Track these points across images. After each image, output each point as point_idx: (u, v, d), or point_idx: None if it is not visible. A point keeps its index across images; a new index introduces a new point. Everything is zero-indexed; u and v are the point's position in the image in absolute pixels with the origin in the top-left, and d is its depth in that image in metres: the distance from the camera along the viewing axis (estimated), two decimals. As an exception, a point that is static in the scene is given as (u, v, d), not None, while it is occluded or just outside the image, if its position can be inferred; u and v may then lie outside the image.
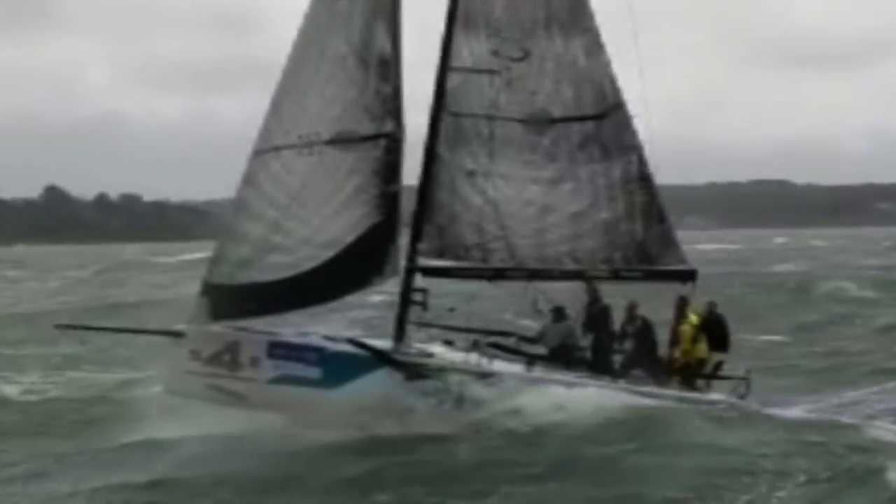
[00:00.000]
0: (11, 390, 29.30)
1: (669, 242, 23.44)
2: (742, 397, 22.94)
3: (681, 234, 23.90)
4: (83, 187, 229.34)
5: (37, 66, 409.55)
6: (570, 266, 23.19)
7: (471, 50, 22.99)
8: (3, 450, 22.51)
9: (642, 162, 23.37)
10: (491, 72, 23.01)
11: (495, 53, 23.01)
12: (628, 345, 23.32)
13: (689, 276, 23.38)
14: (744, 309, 38.34)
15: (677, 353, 23.31)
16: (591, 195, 23.29)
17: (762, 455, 18.98)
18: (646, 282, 23.57)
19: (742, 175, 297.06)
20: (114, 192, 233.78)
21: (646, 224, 23.36)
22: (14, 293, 70.54)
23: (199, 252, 55.38)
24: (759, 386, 23.95)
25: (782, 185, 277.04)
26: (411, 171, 23.10)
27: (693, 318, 23.30)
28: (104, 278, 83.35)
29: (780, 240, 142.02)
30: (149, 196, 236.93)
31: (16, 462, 21.03)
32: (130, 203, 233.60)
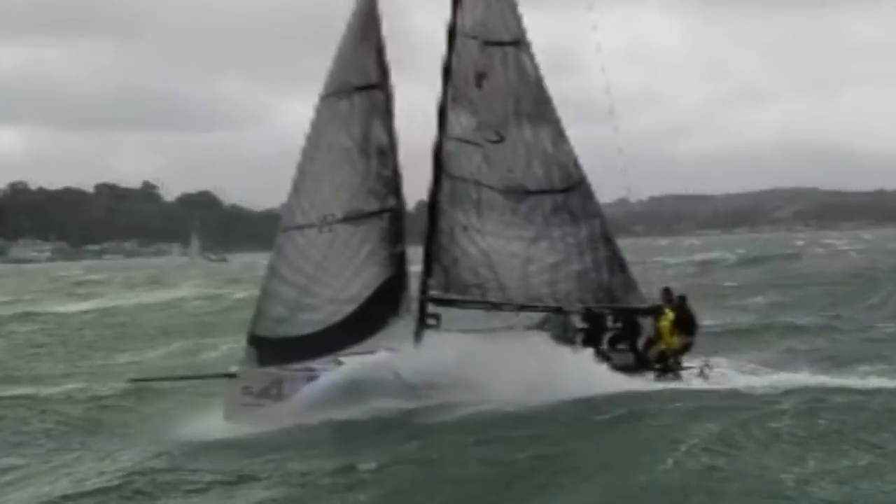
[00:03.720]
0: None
1: (631, 287, 25.67)
2: (705, 379, 24.86)
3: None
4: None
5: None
6: (551, 303, 25.21)
7: (459, 122, 24.66)
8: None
9: (604, 225, 25.59)
10: (476, 144, 24.78)
11: (478, 129, 24.81)
12: (619, 325, 25.71)
13: (649, 311, 25.57)
14: None
15: (662, 346, 25.26)
16: (564, 251, 25.31)
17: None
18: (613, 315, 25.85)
19: None
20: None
21: (610, 273, 25.52)
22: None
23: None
24: None
25: None
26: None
27: (670, 315, 25.32)
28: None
29: None
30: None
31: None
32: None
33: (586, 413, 21.49)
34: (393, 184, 23.97)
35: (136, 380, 27.19)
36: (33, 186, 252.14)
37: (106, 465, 19.69)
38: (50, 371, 34.33)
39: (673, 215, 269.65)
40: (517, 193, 25.00)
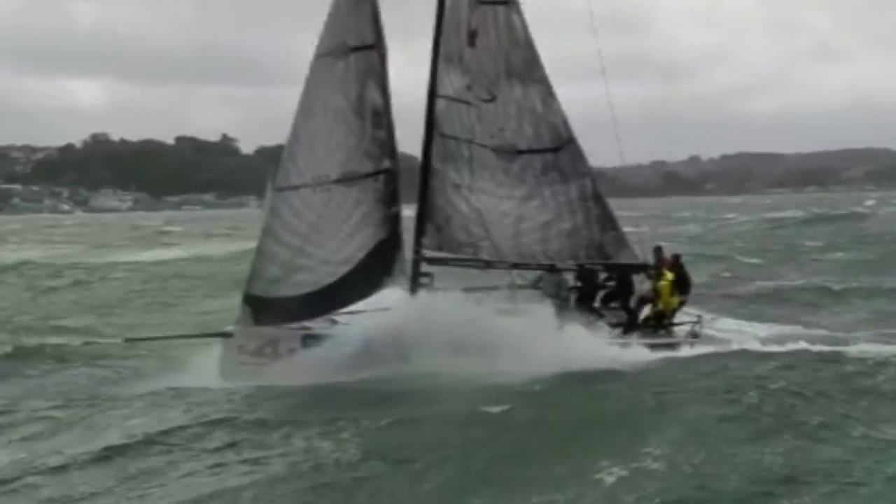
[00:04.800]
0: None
1: (623, 244, 25.62)
2: (695, 335, 25.07)
3: None
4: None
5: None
6: (544, 261, 25.23)
7: (451, 81, 24.60)
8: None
9: (594, 183, 25.58)
10: (467, 103, 24.73)
11: (469, 88, 24.72)
12: (612, 283, 25.79)
13: (641, 268, 25.62)
14: None
15: (660, 305, 25.30)
16: (555, 210, 25.30)
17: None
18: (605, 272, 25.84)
19: None
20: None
21: (601, 230, 25.41)
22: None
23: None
24: None
25: None
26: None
27: (669, 275, 25.34)
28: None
29: None
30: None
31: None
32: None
33: (646, 369, 21.82)
34: (388, 145, 23.89)
35: (129, 339, 27.05)
36: (114, 138, 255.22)
37: (207, 403, 20.37)
38: (147, 319, 35.07)
39: (745, 174, 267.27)
40: (508, 153, 25.01)
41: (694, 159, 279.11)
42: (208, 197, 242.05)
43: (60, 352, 27.10)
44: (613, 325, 24.70)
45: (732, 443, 16.07)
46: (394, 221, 23.92)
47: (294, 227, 23.73)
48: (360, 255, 23.76)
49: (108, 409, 20.50)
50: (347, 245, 23.76)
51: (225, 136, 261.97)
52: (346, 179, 23.66)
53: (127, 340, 26.81)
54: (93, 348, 27.50)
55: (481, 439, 17.01)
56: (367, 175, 23.75)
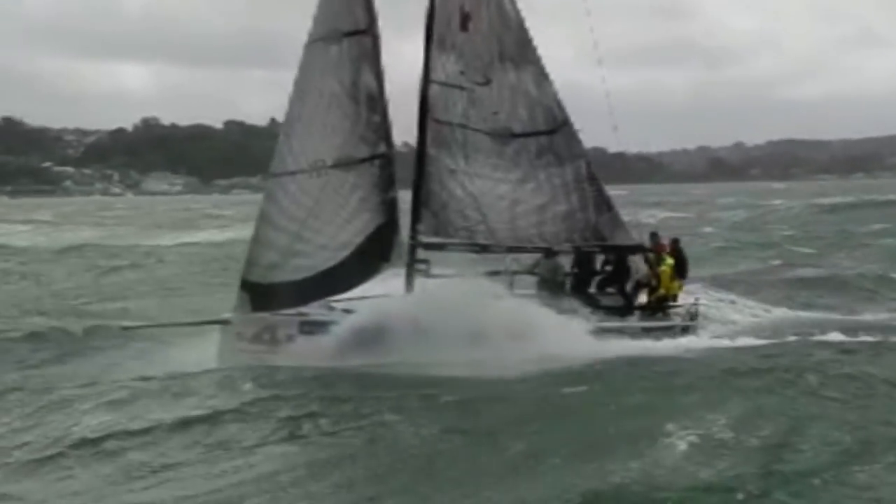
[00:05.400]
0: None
1: (618, 225, 25.52)
2: (693, 318, 25.21)
3: None
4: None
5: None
6: (540, 244, 25.18)
7: (444, 67, 24.56)
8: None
9: (589, 165, 25.43)
10: (461, 87, 24.68)
11: (463, 73, 24.68)
12: (609, 268, 25.73)
13: (636, 249, 25.56)
14: None
15: (661, 291, 25.27)
16: (550, 192, 25.22)
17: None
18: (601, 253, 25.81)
19: None
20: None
21: (597, 212, 25.29)
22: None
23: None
24: None
25: None
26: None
27: (669, 261, 25.35)
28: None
29: None
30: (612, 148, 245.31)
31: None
32: (597, 154, 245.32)
33: (706, 353, 22.06)
34: (383, 130, 23.83)
35: (127, 327, 26.88)
36: (165, 122, 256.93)
37: (278, 380, 20.58)
38: (209, 300, 35.15)
39: (790, 160, 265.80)
40: (503, 136, 24.94)
41: (739, 145, 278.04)
42: (256, 180, 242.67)
43: (130, 331, 27.09)
44: (609, 310, 24.64)
45: (797, 419, 16.11)
46: (391, 206, 23.89)
47: (291, 213, 23.69)
48: (358, 239, 23.73)
49: (184, 382, 20.84)
50: (345, 230, 23.72)
51: (272, 121, 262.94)
52: (343, 164, 23.63)
53: (125, 328, 26.69)
54: (162, 329, 27.62)
55: (554, 413, 17.27)
56: (364, 160, 23.71)
